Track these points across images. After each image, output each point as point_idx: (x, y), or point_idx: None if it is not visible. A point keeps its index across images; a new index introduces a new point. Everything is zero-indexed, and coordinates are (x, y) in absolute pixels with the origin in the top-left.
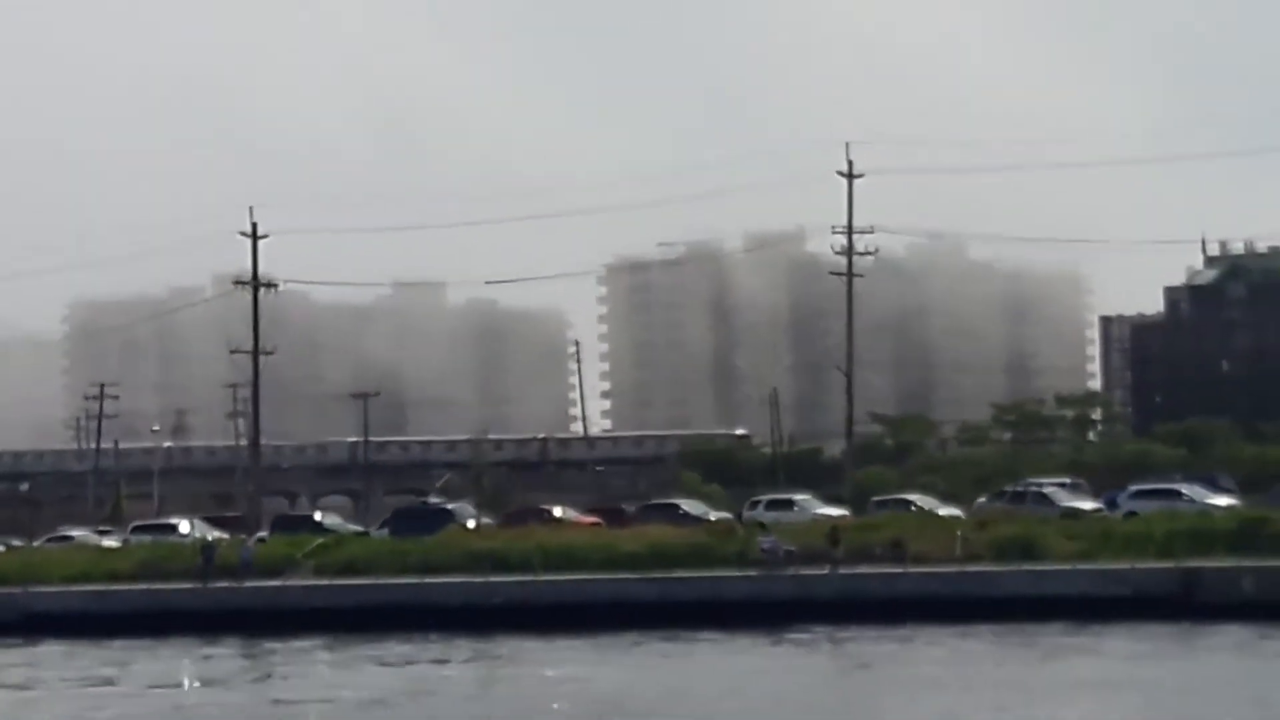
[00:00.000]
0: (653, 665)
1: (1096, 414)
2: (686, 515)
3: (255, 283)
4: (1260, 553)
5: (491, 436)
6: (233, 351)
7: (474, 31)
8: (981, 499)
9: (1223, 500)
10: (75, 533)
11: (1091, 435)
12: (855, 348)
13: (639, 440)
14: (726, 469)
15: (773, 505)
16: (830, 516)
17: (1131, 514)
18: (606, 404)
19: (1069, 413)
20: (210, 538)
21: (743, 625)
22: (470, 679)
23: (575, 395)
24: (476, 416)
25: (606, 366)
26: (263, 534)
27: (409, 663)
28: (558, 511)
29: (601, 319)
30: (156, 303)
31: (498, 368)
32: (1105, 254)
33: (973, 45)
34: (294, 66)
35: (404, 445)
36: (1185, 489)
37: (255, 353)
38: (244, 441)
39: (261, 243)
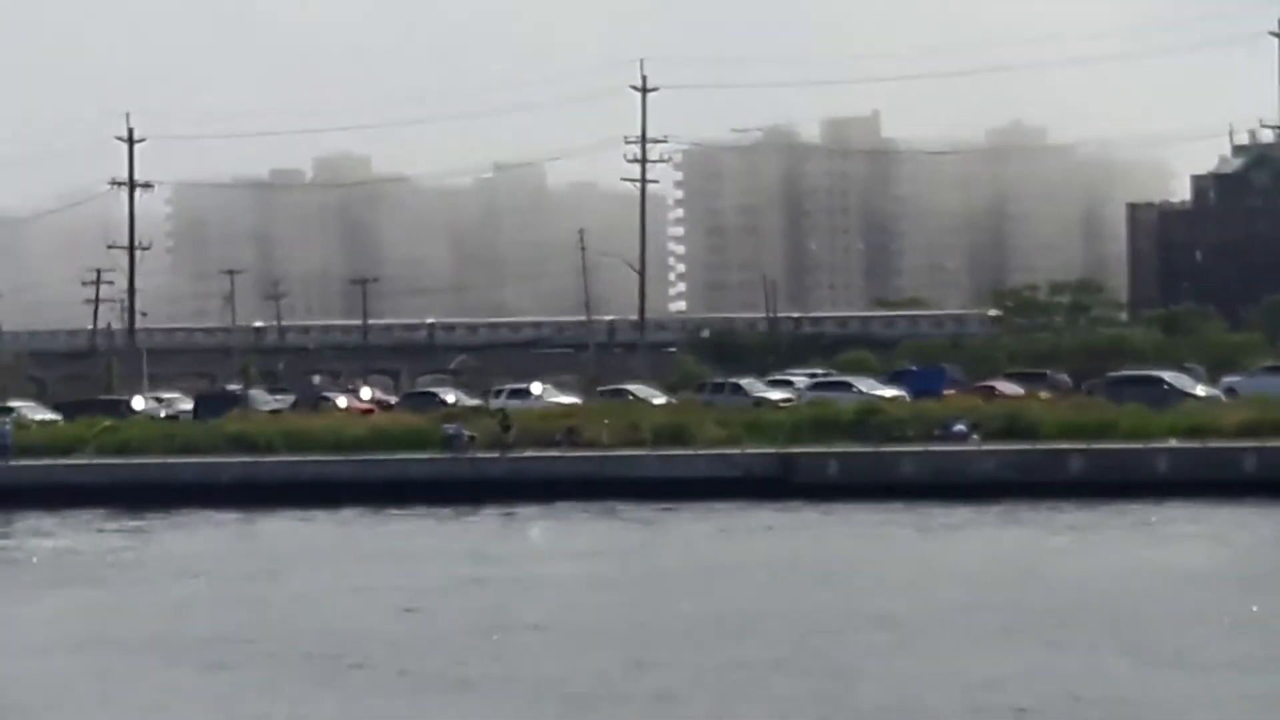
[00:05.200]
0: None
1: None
2: (443, 401)
3: (131, 184)
4: (868, 439)
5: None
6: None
7: None
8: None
9: (888, 391)
10: None
11: (1082, 321)
12: (929, 231)
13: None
14: (731, 352)
15: (514, 394)
16: (562, 404)
17: (813, 403)
18: (682, 286)
19: (1064, 299)
20: (6, 422)
21: (427, 503)
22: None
23: (671, 276)
24: (567, 292)
25: (682, 249)
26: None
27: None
28: (341, 401)
29: (678, 203)
30: None
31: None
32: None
33: None
34: None
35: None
36: (856, 382)
37: (131, 248)
38: (259, 324)
39: (359, 133)
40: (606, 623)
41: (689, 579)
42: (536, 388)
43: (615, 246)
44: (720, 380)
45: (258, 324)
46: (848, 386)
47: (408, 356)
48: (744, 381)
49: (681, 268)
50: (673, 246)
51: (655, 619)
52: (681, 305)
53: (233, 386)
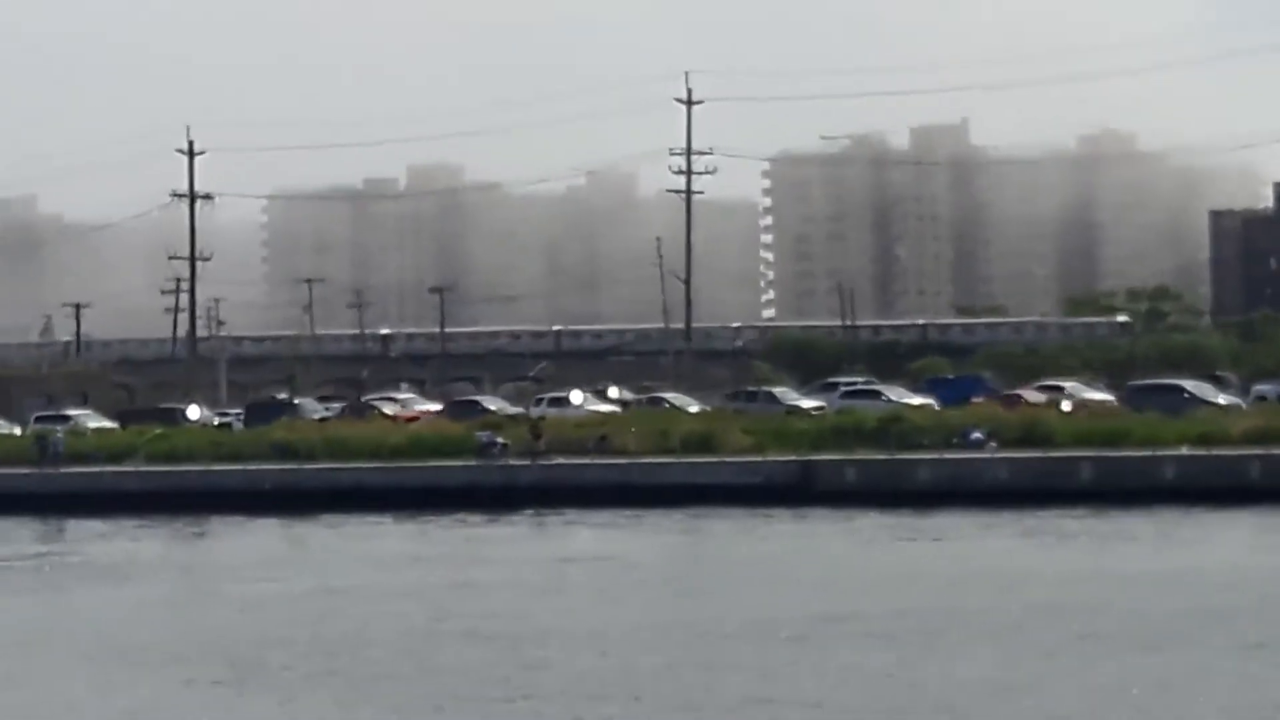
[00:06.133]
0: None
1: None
2: (485, 410)
3: (191, 195)
4: (887, 446)
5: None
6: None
7: None
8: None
9: (916, 400)
10: None
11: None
12: (1018, 238)
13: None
14: (806, 359)
15: (554, 402)
16: (601, 413)
17: (841, 411)
18: (770, 294)
19: (1141, 306)
20: (59, 430)
21: (461, 509)
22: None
23: (764, 283)
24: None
25: (771, 257)
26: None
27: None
28: (387, 408)
29: (766, 210)
30: None
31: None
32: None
33: None
34: None
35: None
36: (886, 390)
37: (192, 258)
38: (367, 331)
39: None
40: (513, 626)
41: (641, 584)
42: (576, 396)
43: (704, 254)
44: (754, 389)
45: (384, 330)
46: (877, 395)
47: (491, 364)
48: (778, 390)
49: (771, 275)
50: (763, 254)
51: (563, 624)
52: (771, 313)
53: (282, 395)
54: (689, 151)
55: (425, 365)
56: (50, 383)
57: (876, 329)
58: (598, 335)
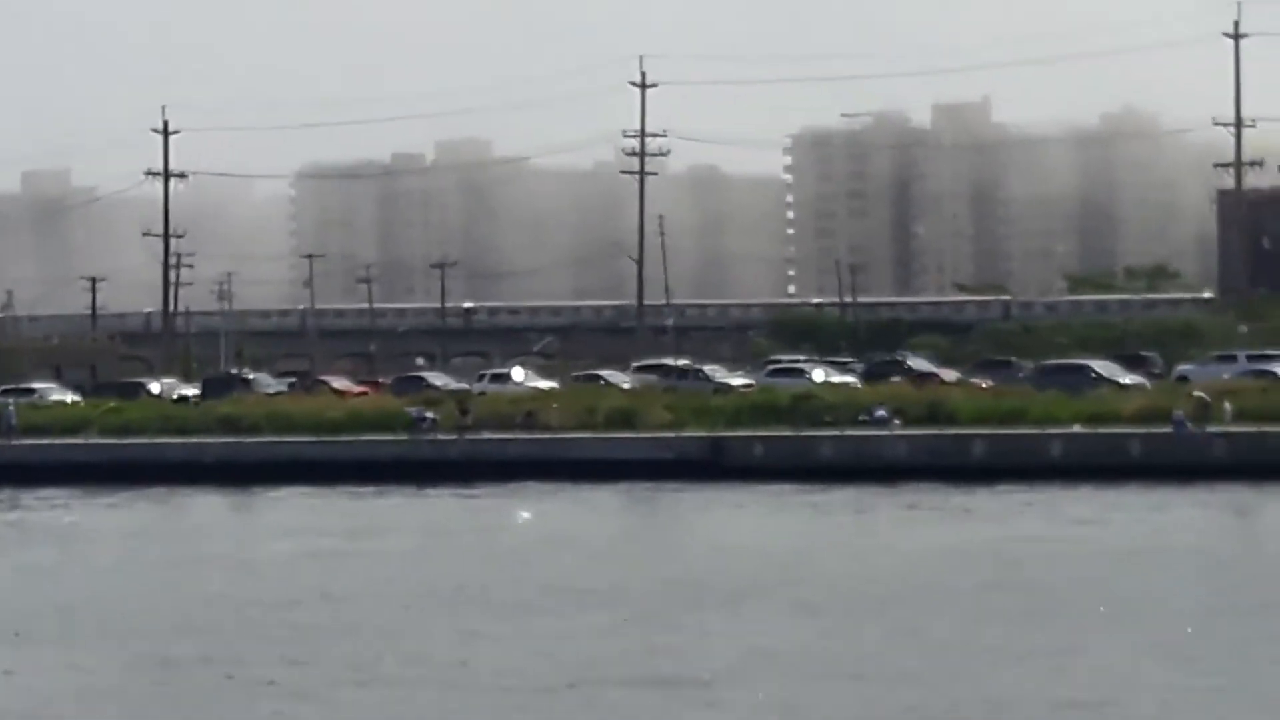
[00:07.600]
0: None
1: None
2: (431, 386)
3: (166, 174)
4: (798, 423)
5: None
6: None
7: None
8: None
9: (839, 378)
10: None
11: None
12: (1039, 216)
13: (724, 308)
14: (807, 337)
15: (495, 378)
16: (539, 389)
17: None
18: (792, 271)
19: (1141, 284)
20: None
21: (392, 482)
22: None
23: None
24: (696, 279)
25: (792, 232)
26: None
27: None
28: (336, 383)
29: (787, 188)
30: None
31: (716, 233)
32: None
33: None
34: None
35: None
36: (809, 369)
37: (165, 236)
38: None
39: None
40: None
41: (466, 554)
42: (518, 373)
43: (735, 231)
44: (685, 367)
45: (467, 305)
46: (801, 373)
47: (498, 339)
48: (709, 368)
49: (792, 250)
50: (787, 231)
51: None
52: (793, 289)
53: (235, 370)
54: (642, 134)
55: (426, 340)
56: (58, 355)
57: (888, 305)
58: (599, 311)
